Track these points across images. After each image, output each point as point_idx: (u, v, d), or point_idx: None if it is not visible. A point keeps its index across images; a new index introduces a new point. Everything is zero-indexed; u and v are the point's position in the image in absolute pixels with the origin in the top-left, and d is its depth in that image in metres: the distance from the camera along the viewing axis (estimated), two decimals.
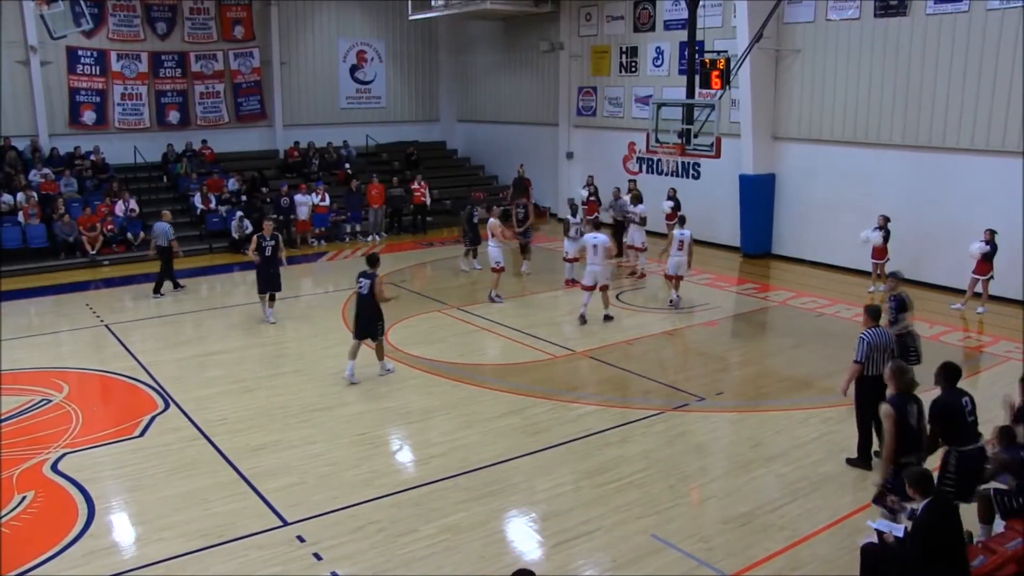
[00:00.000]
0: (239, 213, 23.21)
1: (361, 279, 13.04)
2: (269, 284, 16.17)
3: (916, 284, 18.41)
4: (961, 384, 8.19)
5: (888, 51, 18.86)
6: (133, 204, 22.98)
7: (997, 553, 6.97)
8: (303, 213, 23.75)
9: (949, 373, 8.12)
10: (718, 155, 17.14)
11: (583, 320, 16.03)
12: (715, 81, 17.85)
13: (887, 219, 17.86)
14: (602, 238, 16.07)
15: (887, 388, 8.28)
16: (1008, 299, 16.87)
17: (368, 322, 13.00)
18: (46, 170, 23.29)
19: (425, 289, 18.72)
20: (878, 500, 7.96)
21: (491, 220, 17.80)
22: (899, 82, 18.74)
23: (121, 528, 8.85)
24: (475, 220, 20.53)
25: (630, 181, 23.05)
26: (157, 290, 18.64)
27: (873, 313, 10.05)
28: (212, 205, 23.94)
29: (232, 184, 24.91)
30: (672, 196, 22.21)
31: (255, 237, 16.13)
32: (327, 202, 24.45)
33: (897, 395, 8.01)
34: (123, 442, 10.86)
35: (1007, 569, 6.68)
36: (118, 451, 10.58)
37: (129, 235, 22.40)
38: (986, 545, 7.29)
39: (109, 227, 22.16)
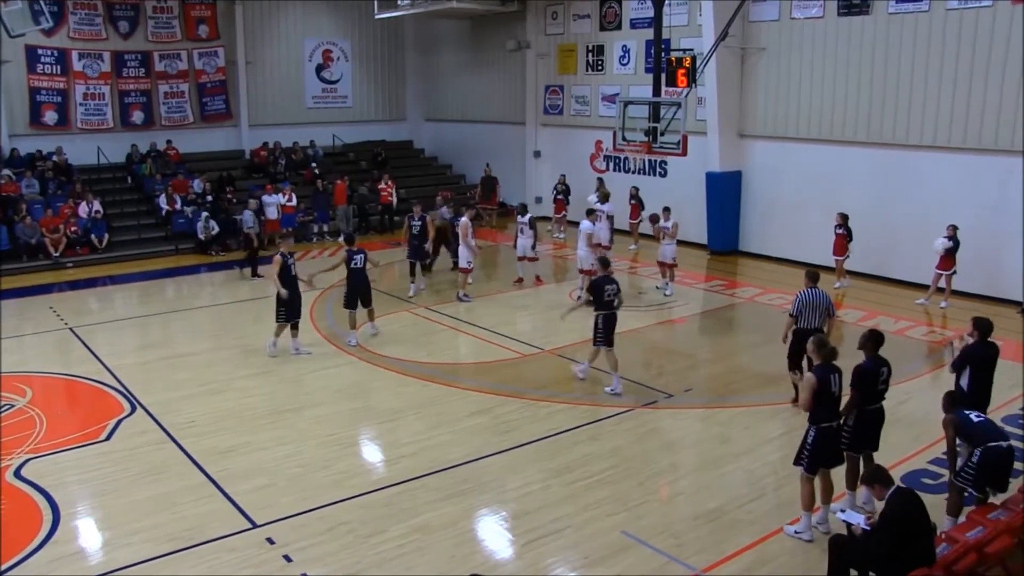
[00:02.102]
0: (205, 214, 23.02)
1: (355, 256, 14.60)
2: (297, 311, 14.25)
3: (880, 280, 18.70)
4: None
5: (852, 49, 19.06)
6: (97, 205, 22.70)
7: (959, 542, 7.09)
8: (271, 213, 23.56)
9: (875, 341, 8.78)
10: (684, 153, 17.28)
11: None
12: (681, 79, 17.96)
13: (846, 217, 18.07)
14: (587, 224, 17.52)
15: (812, 359, 8.70)
16: (970, 294, 17.05)
17: (368, 291, 14.84)
18: (6, 171, 22.94)
19: (393, 289, 18.65)
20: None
21: (462, 220, 17.80)
22: (863, 80, 18.93)
23: (88, 534, 8.75)
24: (416, 231, 18.03)
25: (598, 179, 23.18)
26: (254, 273, 19.92)
27: (811, 276, 11.66)
28: (178, 206, 23.71)
29: (198, 185, 24.69)
30: (635, 195, 22.40)
31: (278, 257, 14.08)
32: (294, 202, 24.29)
33: (820, 366, 8.38)
34: (89, 446, 10.72)
35: (969, 558, 6.79)
36: (84, 456, 10.46)
37: (93, 237, 22.11)
38: (949, 535, 7.42)
39: (73, 229, 21.87)
